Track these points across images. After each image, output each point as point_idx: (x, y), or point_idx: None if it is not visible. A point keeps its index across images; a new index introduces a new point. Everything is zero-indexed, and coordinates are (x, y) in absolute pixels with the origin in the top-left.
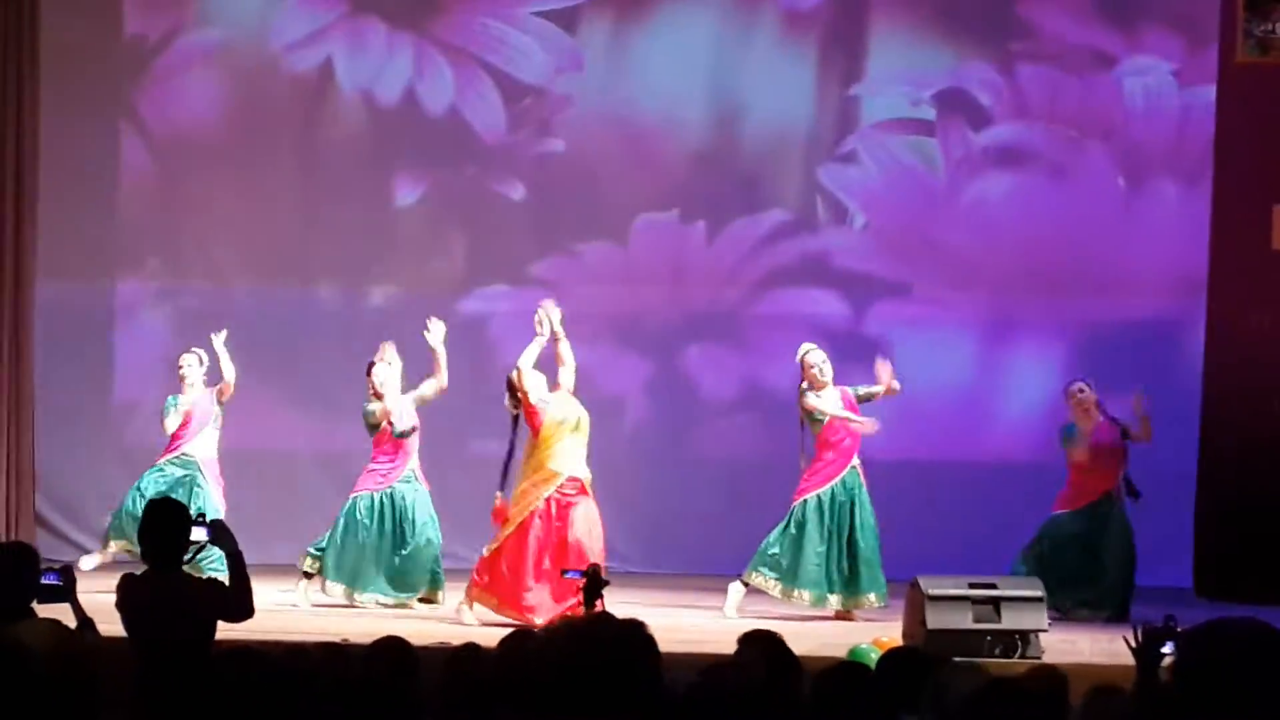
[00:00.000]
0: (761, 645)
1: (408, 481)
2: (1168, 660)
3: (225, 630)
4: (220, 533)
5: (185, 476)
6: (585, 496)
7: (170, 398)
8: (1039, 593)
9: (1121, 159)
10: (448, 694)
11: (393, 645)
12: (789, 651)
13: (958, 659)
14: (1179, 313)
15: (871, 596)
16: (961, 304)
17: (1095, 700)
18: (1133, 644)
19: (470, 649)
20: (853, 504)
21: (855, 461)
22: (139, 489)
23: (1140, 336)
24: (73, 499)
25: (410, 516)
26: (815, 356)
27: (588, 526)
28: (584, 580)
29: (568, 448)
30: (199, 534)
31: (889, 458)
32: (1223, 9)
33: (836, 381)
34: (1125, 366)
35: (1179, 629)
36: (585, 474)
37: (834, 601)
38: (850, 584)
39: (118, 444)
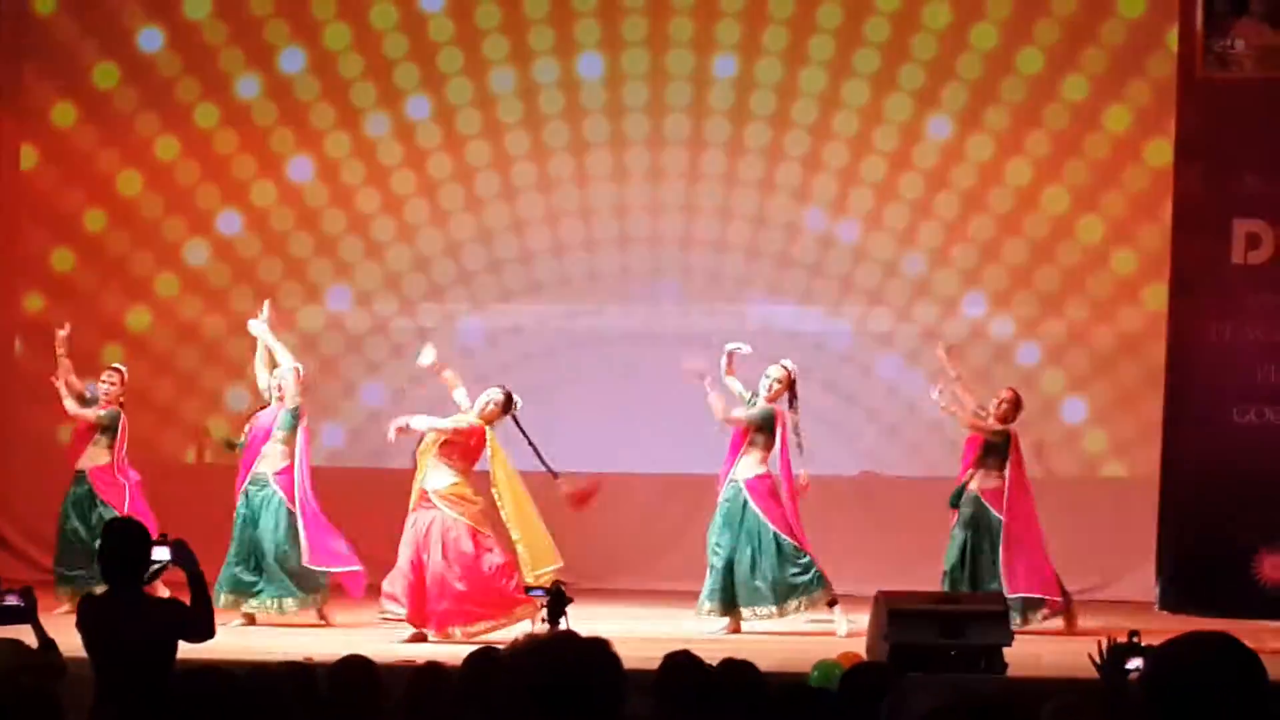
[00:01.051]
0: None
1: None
2: (1133, 675)
3: (189, 650)
4: (182, 553)
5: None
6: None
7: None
8: (1002, 607)
9: (1082, 171)
10: (411, 712)
11: (356, 664)
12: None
13: (918, 674)
14: (1140, 325)
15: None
16: (925, 317)
17: (1060, 716)
18: (1097, 660)
19: (433, 667)
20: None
21: (735, 473)
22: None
23: (1101, 348)
24: (35, 519)
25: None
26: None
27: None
28: (547, 598)
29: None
30: (161, 554)
31: (853, 474)
32: (1182, 24)
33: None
34: (1087, 377)
35: (1143, 644)
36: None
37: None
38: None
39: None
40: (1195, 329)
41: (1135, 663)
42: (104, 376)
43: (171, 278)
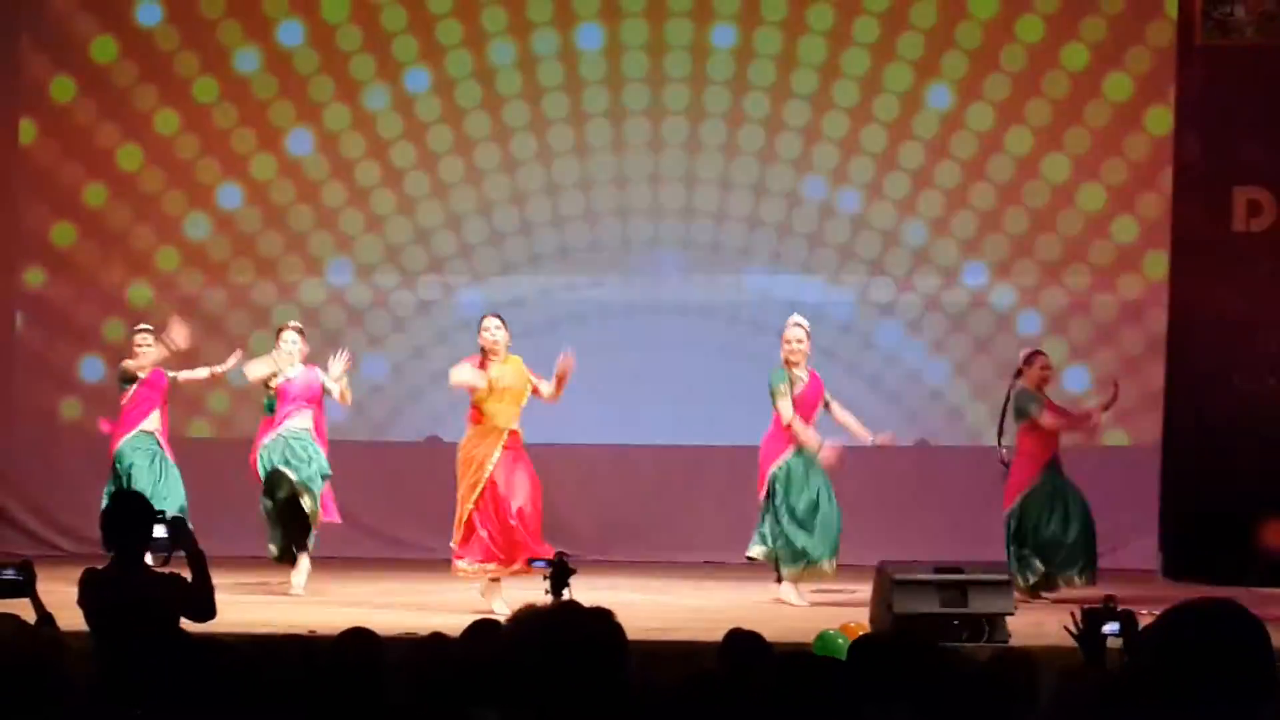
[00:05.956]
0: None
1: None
2: (1110, 641)
3: (191, 624)
4: (180, 532)
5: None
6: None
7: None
8: (1005, 576)
9: (1082, 139)
10: (414, 684)
11: (359, 636)
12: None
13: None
14: (1142, 293)
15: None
16: (926, 286)
17: (1064, 684)
18: (1073, 630)
19: (436, 639)
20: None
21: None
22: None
23: (1103, 317)
24: (38, 493)
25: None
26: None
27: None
28: (550, 569)
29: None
30: (158, 532)
31: (858, 443)
32: None
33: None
34: (1088, 346)
35: (1119, 609)
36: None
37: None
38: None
39: (83, 435)
40: (1196, 296)
41: (1111, 627)
42: (139, 340)
43: (172, 252)
